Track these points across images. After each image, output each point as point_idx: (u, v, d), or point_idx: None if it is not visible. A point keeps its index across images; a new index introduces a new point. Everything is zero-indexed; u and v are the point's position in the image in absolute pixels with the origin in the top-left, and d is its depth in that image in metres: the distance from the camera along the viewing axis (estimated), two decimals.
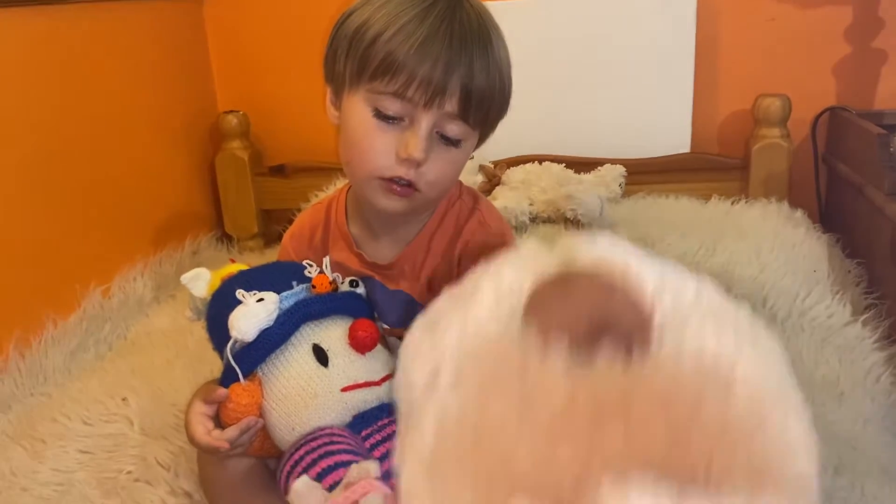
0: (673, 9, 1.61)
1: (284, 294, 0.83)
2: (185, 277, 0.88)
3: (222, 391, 0.78)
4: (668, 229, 1.40)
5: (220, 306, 0.83)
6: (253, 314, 0.79)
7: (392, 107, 0.75)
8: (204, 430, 0.78)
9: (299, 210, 1.73)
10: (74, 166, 1.42)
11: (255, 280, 0.84)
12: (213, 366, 1.20)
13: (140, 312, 1.47)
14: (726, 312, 0.52)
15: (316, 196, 1.71)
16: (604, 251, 0.51)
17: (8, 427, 1.10)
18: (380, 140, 0.76)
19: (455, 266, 0.86)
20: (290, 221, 1.71)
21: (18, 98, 1.29)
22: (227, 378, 0.80)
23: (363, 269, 0.90)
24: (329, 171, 1.73)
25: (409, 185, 0.78)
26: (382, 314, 0.89)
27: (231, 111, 1.81)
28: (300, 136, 1.86)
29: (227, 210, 1.85)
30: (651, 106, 1.66)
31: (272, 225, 1.87)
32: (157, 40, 1.68)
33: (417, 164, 0.76)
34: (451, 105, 0.75)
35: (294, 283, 0.85)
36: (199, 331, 1.33)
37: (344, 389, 0.79)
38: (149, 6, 1.64)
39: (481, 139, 0.84)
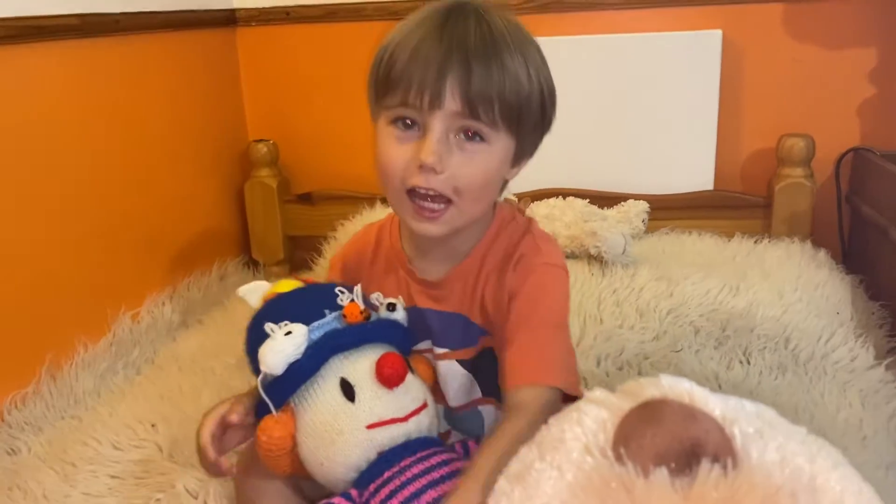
0: (698, 47, 1.63)
1: (315, 324, 0.82)
2: (242, 290, 0.89)
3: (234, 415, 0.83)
4: (691, 268, 1.40)
5: (252, 337, 0.84)
6: (280, 349, 0.79)
7: (404, 118, 0.77)
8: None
9: (325, 237, 1.76)
10: (106, 193, 1.45)
11: (286, 310, 0.84)
12: (239, 392, 1.22)
13: (168, 336, 1.49)
14: (787, 428, 0.56)
15: (342, 224, 1.73)
16: (669, 386, 0.54)
17: (40, 450, 1.12)
18: (399, 151, 0.78)
19: (505, 287, 0.84)
20: (316, 249, 1.76)
21: (52, 127, 1.33)
22: (262, 409, 0.81)
23: (414, 285, 0.89)
24: (355, 199, 1.76)
25: (438, 196, 0.78)
26: (437, 338, 0.89)
27: (261, 140, 1.84)
28: (328, 165, 1.89)
29: (255, 236, 1.89)
30: (675, 142, 1.68)
31: (298, 251, 1.90)
32: (190, 71, 1.73)
33: (434, 171, 0.76)
34: (454, 104, 0.75)
35: (326, 311, 0.84)
36: (226, 356, 1.35)
37: (369, 427, 0.79)
38: (183, 37, 1.69)
39: (520, 151, 0.82)
